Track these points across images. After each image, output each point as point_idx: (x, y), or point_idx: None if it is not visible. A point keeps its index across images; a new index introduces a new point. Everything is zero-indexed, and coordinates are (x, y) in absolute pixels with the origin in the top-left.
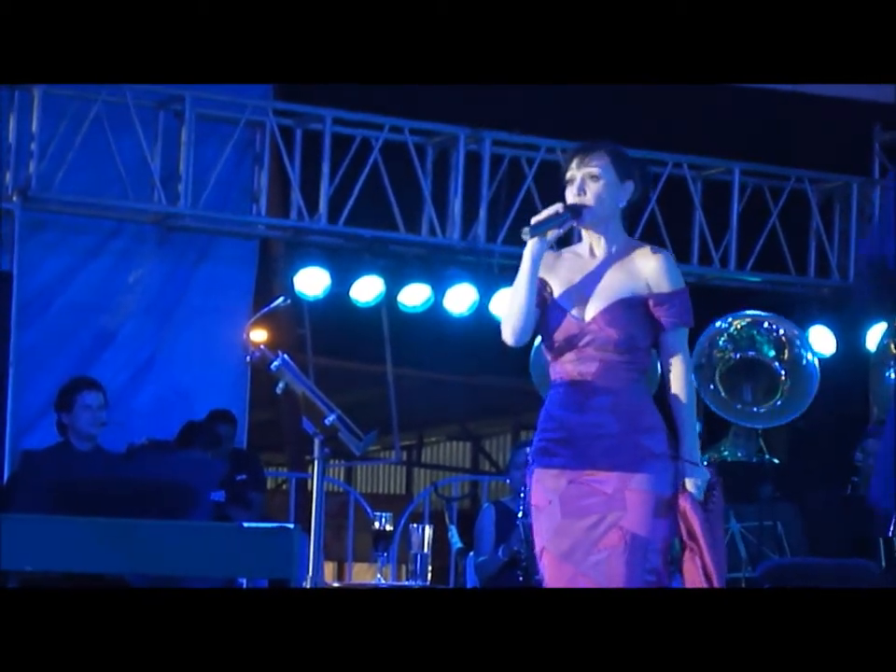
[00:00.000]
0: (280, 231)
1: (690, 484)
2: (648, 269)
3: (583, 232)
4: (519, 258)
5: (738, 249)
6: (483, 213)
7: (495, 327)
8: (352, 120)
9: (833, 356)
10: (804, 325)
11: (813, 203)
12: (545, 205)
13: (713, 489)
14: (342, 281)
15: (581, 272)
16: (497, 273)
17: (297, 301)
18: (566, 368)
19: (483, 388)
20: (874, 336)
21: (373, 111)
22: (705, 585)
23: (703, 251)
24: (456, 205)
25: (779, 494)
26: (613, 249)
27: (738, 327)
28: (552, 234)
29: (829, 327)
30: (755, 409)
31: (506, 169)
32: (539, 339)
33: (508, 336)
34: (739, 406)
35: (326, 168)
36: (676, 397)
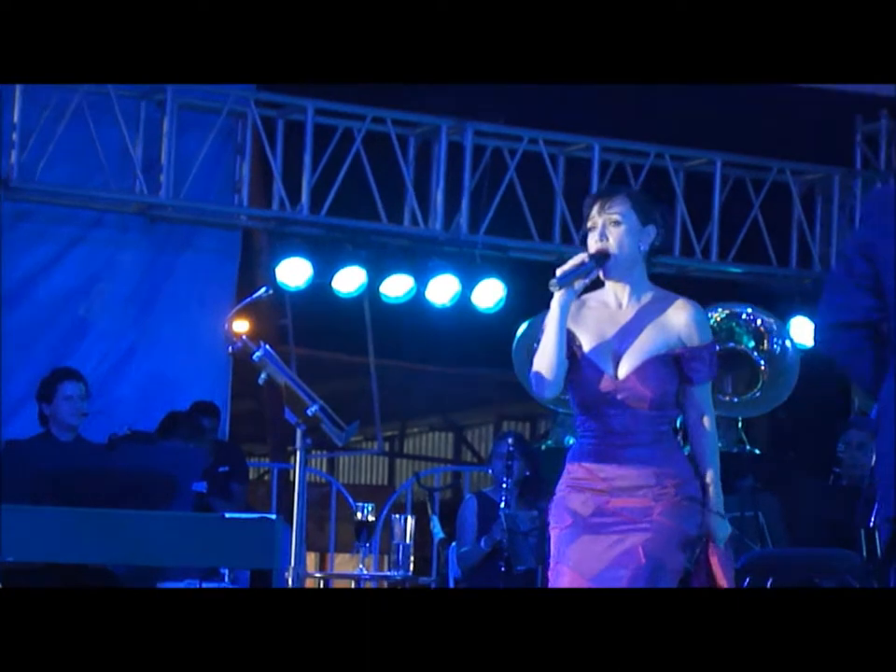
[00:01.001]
0: (262, 221)
1: (716, 535)
2: (679, 321)
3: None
4: (500, 248)
5: (720, 240)
6: (465, 203)
7: (477, 318)
8: (334, 111)
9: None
10: (785, 316)
11: (794, 195)
12: (527, 196)
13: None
14: (324, 271)
15: (610, 324)
16: (479, 263)
17: (279, 291)
18: (596, 422)
19: (466, 379)
20: None
21: (355, 102)
22: None
23: (684, 242)
24: (439, 196)
25: (760, 484)
26: (641, 298)
27: (717, 319)
28: (578, 284)
29: (810, 318)
30: (735, 399)
31: (488, 159)
32: (521, 329)
33: (542, 389)
34: (720, 397)
35: (308, 158)
36: (703, 449)
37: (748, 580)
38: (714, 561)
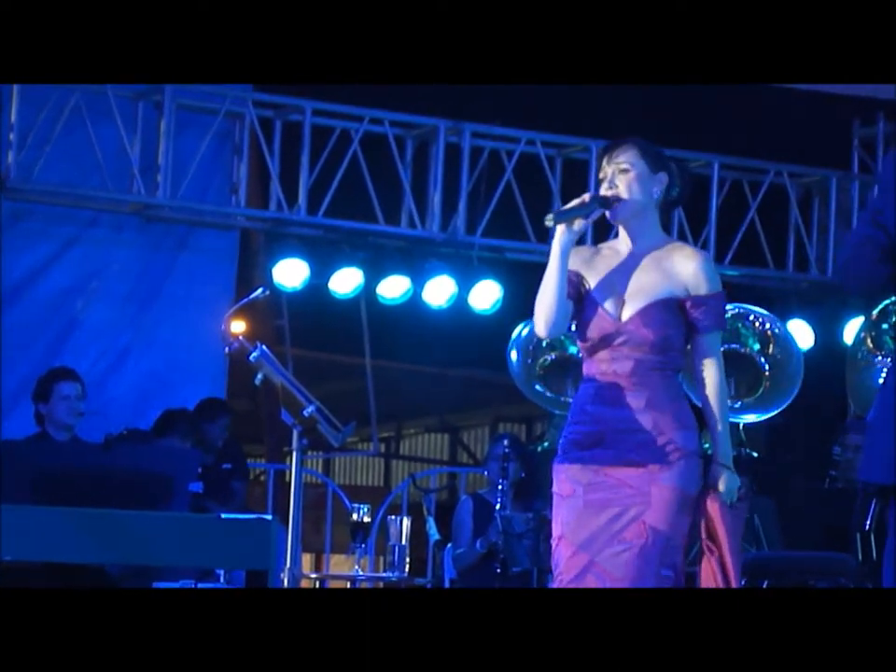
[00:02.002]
0: (259, 222)
1: (722, 488)
2: (687, 270)
3: (619, 228)
4: (497, 250)
5: (717, 243)
6: (462, 205)
7: (473, 319)
8: (332, 112)
9: (812, 350)
10: (782, 319)
11: (792, 197)
12: (524, 198)
13: (742, 497)
14: (321, 272)
15: (619, 269)
16: (476, 265)
17: (276, 292)
18: (600, 365)
19: (462, 380)
20: (852, 330)
21: (353, 103)
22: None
23: None
24: (436, 197)
25: (756, 487)
26: (650, 245)
27: None
28: (578, 225)
29: (807, 321)
30: (738, 402)
31: (486, 161)
32: (517, 331)
33: (540, 328)
34: None
35: (305, 159)
36: (709, 400)
37: (744, 582)
38: (714, 511)
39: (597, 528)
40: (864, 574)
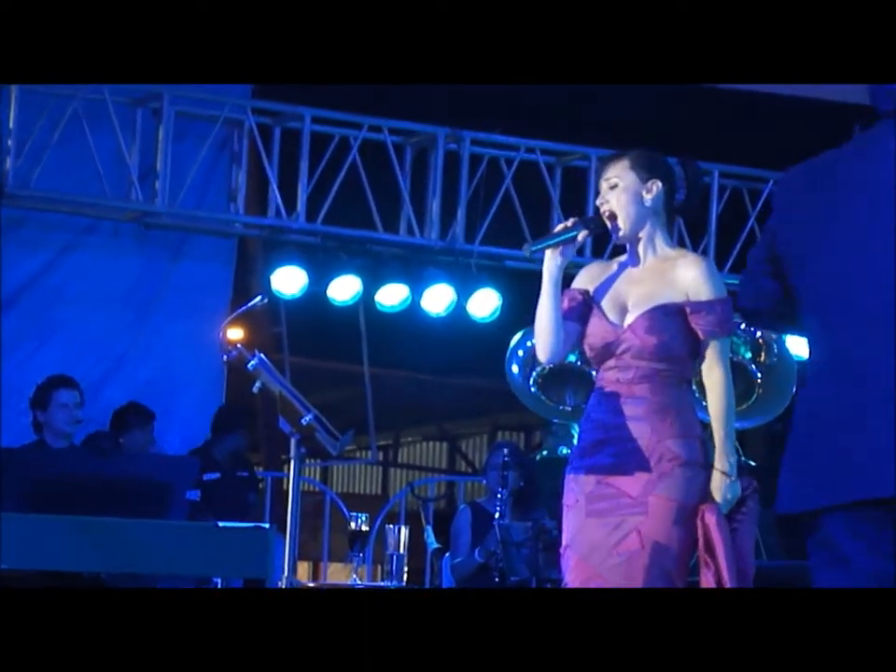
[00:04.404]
0: (258, 229)
1: (718, 497)
2: (688, 277)
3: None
4: (496, 258)
5: (717, 251)
6: (461, 213)
7: (472, 327)
8: (331, 119)
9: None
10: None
11: None
12: (523, 206)
13: (745, 502)
14: (319, 280)
15: (624, 280)
16: (474, 273)
17: (274, 299)
18: (606, 374)
19: (460, 388)
20: None
21: (352, 110)
22: None
23: None
24: (435, 205)
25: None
26: (654, 255)
27: None
28: (564, 249)
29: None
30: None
31: (485, 169)
32: (515, 339)
33: (540, 354)
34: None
35: (304, 167)
36: (710, 406)
37: None
38: (710, 522)
39: (598, 538)
40: None
